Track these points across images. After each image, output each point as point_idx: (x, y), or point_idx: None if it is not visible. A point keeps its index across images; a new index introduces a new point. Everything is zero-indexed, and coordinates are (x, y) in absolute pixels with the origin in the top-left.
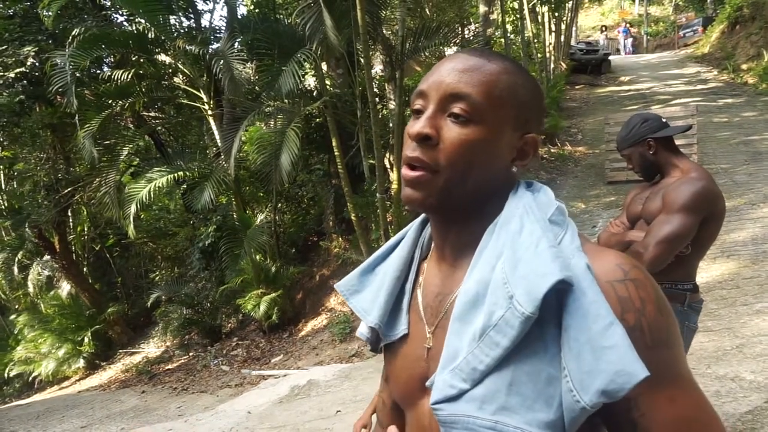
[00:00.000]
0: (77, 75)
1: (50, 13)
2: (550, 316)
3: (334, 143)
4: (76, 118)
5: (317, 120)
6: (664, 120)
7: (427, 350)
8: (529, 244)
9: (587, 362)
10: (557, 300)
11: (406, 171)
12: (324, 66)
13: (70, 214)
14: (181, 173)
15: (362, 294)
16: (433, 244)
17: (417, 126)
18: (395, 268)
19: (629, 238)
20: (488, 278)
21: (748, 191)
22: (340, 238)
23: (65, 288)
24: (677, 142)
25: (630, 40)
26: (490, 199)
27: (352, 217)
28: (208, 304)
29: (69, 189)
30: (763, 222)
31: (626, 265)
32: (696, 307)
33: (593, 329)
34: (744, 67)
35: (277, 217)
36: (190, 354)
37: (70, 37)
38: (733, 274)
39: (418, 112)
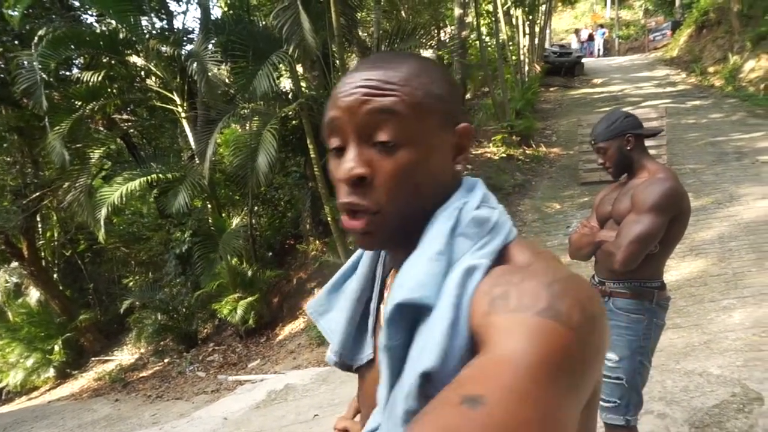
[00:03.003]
0: (45, 77)
1: (16, 13)
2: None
3: (310, 145)
4: (46, 120)
5: (293, 122)
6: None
7: None
8: (408, 264)
9: (412, 364)
10: (421, 323)
11: (346, 220)
12: (299, 68)
13: (39, 219)
14: (154, 176)
15: (330, 314)
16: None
17: (345, 166)
18: (355, 288)
19: (600, 239)
20: None
21: (715, 191)
22: (317, 241)
23: (34, 295)
24: (647, 143)
25: (600, 41)
26: (435, 210)
27: (329, 220)
28: (184, 310)
29: (37, 193)
30: (729, 221)
31: (530, 277)
32: (663, 305)
33: (424, 332)
34: (711, 70)
35: (253, 221)
36: (165, 361)
37: (37, 38)
38: (701, 271)
39: (339, 150)
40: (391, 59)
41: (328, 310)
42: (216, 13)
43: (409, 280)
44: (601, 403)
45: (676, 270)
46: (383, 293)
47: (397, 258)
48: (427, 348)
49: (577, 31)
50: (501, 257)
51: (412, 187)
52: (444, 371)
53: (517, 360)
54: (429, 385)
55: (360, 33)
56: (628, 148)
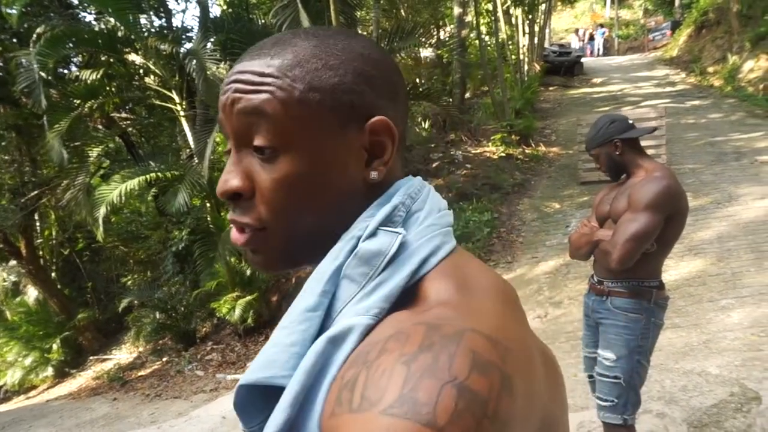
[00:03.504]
0: (44, 75)
1: (14, 11)
2: None
3: None
4: (44, 119)
5: None
6: (630, 121)
7: None
8: (284, 317)
9: None
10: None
11: (234, 233)
12: None
13: (37, 217)
14: (152, 175)
15: None
16: None
17: (221, 178)
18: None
19: (597, 238)
20: None
21: (714, 191)
22: None
23: (32, 294)
24: (647, 143)
25: (600, 41)
26: (346, 229)
27: None
28: (182, 309)
29: (36, 192)
30: (728, 221)
31: (413, 320)
32: (662, 304)
33: None
34: (710, 70)
35: None
36: (164, 359)
37: (35, 36)
38: (700, 271)
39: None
40: (278, 43)
41: None
42: (215, 11)
43: (263, 352)
44: (599, 402)
45: (675, 270)
46: None
47: None
48: None
49: (576, 31)
50: (409, 296)
51: (301, 201)
52: None
53: None
54: None
55: (359, 32)
56: (617, 153)
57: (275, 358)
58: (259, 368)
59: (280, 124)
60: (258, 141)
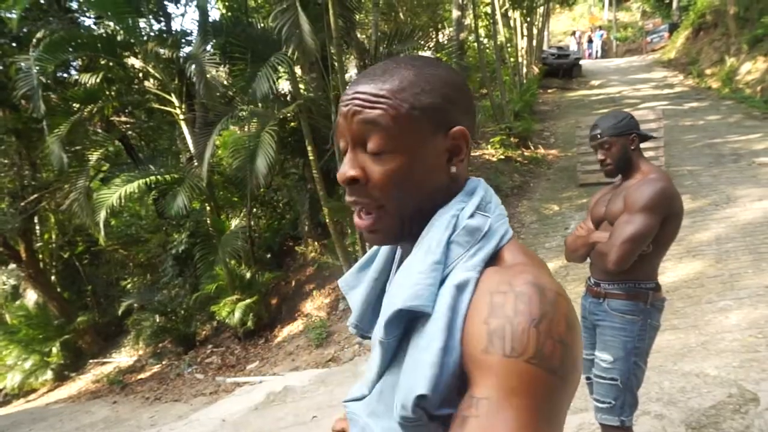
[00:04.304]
0: (43, 79)
1: (14, 15)
2: (412, 338)
3: (308, 147)
4: (44, 123)
5: (291, 124)
6: None
7: None
8: (408, 270)
9: (407, 377)
10: (417, 324)
11: (356, 219)
12: (298, 70)
13: (36, 221)
14: (152, 178)
15: (357, 290)
16: None
17: (341, 169)
18: (375, 269)
19: (593, 240)
20: None
21: (712, 192)
22: (316, 243)
23: (32, 297)
24: (645, 145)
25: (598, 43)
26: (436, 210)
27: (328, 222)
28: (182, 312)
29: (35, 195)
30: (726, 222)
31: (519, 280)
32: (658, 306)
33: (420, 346)
34: (708, 72)
35: (252, 222)
36: (164, 363)
37: (35, 40)
38: (698, 273)
39: (344, 151)
40: (387, 71)
41: (355, 286)
42: (214, 15)
43: (409, 288)
44: (596, 404)
45: (673, 271)
46: None
47: (406, 249)
48: (419, 371)
49: (573, 33)
50: (493, 259)
51: (403, 189)
52: (435, 393)
53: (510, 419)
54: (424, 401)
55: (358, 35)
56: (632, 147)
57: (421, 293)
58: (410, 299)
59: (389, 132)
60: (371, 145)
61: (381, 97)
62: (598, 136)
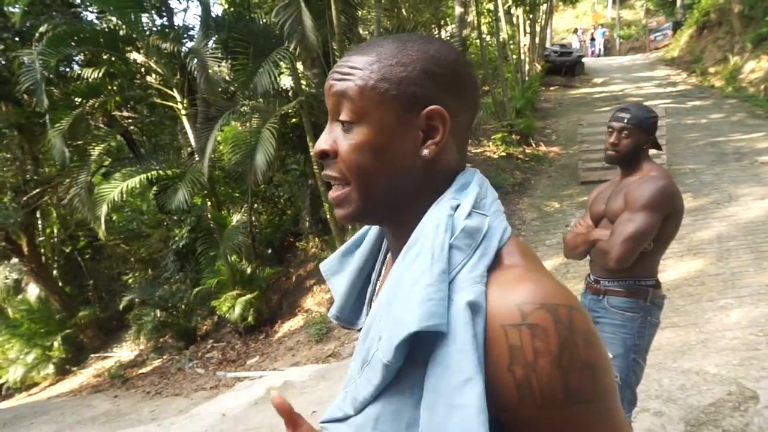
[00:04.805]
0: (46, 74)
1: (17, 10)
2: (421, 359)
3: (309, 143)
4: (46, 117)
5: (293, 120)
6: None
7: None
8: (411, 279)
9: (438, 416)
10: (429, 344)
11: (330, 192)
12: (300, 66)
13: (38, 215)
14: (154, 173)
15: (340, 276)
16: None
17: (317, 143)
18: (359, 258)
19: (594, 237)
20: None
21: (714, 191)
22: (317, 239)
23: (34, 291)
24: None
25: (601, 41)
26: (411, 198)
27: (329, 218)
28: (183, 307)
29: (37, 190)
30: (727, 221)
31: (529, 305)
32: (658, 303)
33: (451, 383)
34: (711, 70)
35: (253, 218)
36: (164, 357)
37: (38, 34)
38: (699, 271)
39: None
40: (371, 44)
41: (339, 272)
42: (216, 10)
43: (421, 305)
44: None
45: (674, 269)
46: (382, 269)
47: (392, 243)
48: (459, 419)
49: (575, 31)
50: (496, 260)
51: (368, 164)
52: None
53: None
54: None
55: (361, 31)
56: (644, 146)
57: (434, 311)
58: (425, 318)
59: (356, 103)
60: (342, 116)
61: (354, 68)
62: (625, 120)
